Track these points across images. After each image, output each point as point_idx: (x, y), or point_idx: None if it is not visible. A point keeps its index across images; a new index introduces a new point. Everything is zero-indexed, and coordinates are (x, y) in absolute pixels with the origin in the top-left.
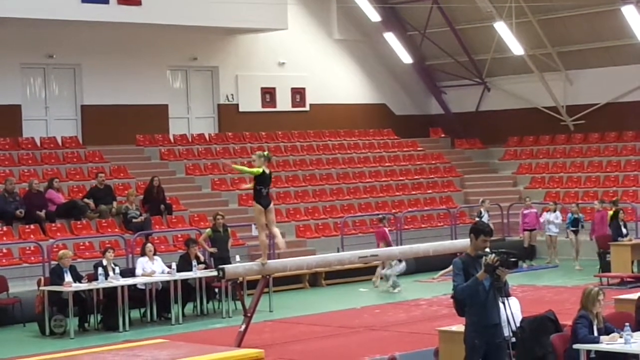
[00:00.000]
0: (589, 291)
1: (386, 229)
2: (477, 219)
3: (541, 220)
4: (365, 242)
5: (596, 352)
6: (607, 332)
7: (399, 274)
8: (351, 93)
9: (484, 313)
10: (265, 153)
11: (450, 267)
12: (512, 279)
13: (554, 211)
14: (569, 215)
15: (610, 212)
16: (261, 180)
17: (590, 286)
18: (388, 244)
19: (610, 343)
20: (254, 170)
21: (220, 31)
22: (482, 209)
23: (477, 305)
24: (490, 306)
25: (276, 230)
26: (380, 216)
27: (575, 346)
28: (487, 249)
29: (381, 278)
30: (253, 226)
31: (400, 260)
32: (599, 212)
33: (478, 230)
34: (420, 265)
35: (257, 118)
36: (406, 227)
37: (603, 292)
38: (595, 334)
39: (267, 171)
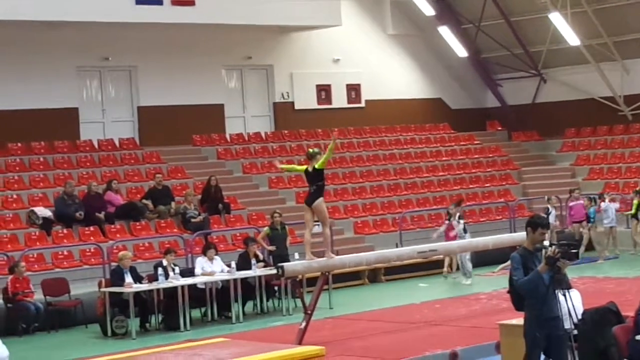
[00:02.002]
0: None
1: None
2: (544, 215)
3: (603, 211)
4: (424, 237)
5: None
6: None
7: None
8: (406, 88)
9: (544, 306)
10: (310, 150)
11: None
12: (572, 271)
13: (612, 201)
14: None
15: (636, 202)
16: (305, 178)
17: None
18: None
19: None
20: (298, 167)
21: (274, 29)
22: (549, 206)
23: (537, 299)
24: (550, 299)
25: (307, 234)
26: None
27: (639, 337)
28: (546, 242)
29: (457, 269)
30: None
31: None
32: None
33: (535, 224)
34: (479, 259)
35: (313, 115)
36: (465, 221)
37: None
38: None
39: (310, 169)
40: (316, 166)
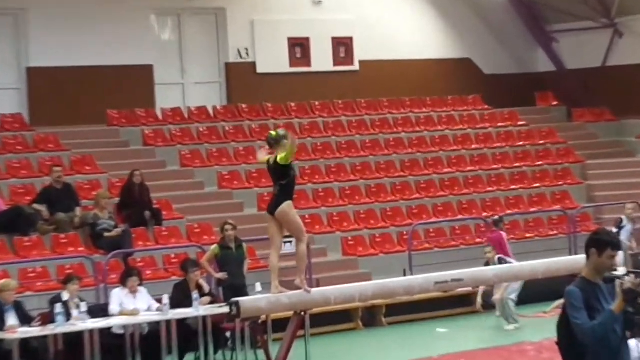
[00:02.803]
0: None
1: (504, 234)
2: (615, 230)
3: None
4: (444, 260)
5: None
6: None
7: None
8: (419, 44)
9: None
10: (271, 133)
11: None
12: None
13: None
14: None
15: None
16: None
17: None
18: (506, 254)
19: None
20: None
21: None
22: (623, 217)
23: (606, 351)
24: (624, 351)
25: (274, 255)
26: (496, 218)
27: None
28: (621, 269)
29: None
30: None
31: None
32: None
33: (602, 243)
34: (525, 293)
35: (284, 82)
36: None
37: None
38: None
39: (271, 160)
40: (278, 159)
